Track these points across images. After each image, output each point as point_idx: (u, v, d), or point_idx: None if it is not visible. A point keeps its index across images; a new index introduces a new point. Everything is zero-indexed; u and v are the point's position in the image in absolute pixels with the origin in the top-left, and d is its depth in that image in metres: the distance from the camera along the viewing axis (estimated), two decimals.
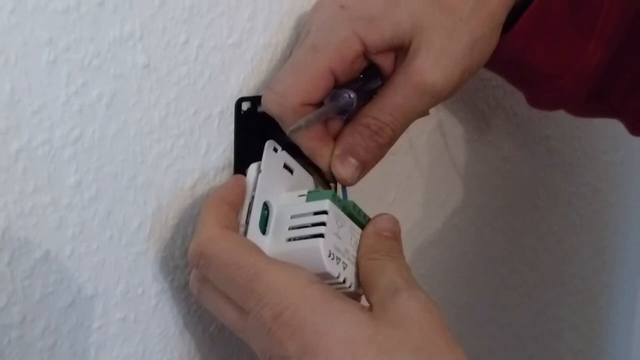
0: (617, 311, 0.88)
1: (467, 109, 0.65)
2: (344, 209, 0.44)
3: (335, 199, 0.43)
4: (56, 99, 0.40)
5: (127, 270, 0.45)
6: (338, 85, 0.45)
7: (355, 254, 0.43)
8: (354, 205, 0.45)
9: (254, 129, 0.48)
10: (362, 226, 0.45)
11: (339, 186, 0.48)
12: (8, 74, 0.38)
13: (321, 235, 0.41)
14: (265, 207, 0.43)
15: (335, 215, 0.42)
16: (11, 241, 0.40)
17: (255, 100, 0.47)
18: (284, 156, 0.46)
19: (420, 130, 0.59)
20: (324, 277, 0.41)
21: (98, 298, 0.45)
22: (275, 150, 0.45)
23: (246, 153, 0.48)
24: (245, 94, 0.47)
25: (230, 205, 0.43)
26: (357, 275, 0.43)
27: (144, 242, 0.46)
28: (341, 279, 0.42)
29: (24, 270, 0.41)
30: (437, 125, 0.63)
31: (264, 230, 0.43)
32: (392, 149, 0.54)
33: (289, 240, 0.42)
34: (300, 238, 0.42)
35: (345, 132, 0.47)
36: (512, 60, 0.55)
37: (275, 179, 0.45)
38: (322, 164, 0.46)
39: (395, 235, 0.44)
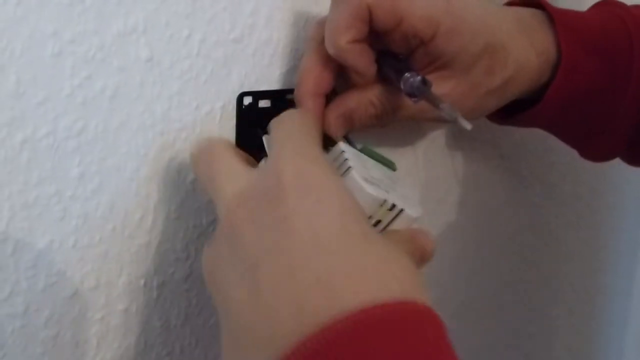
0: (613, 311, 0.88)
1: None
2: (362, 151, 0.45)
3: (346, 145, 0.44)
4: (60, 91, 0.40)
5: (129, 262, 0.46)
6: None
7: (393, 185, 0.43)
8: (369, 148, 0.46)
9: (255, 123, 0.48)
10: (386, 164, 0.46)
11: None
12: (13, 65, 0.39)
13: (349, 168, 0.41)
14: None
15: (354, 154, 0.43)
16: (15, 231, 0.41)
17: (257, 95, 0.48)
18: None
19: (418, 128, 0.59)
20: (375, 205, 0.40)
21: (100, 289, 0.45)
22: None
23: (247, 147, 0.48)
24: (246, 88, 0.47)
25: None
26: (405, 198, 0.42)
27: (146, 235, 0.46)
28: (390, 202, 0.40)
29: (28, 260, 0.42)
30: (435, 123, 0.63)
31: None
32: (391, 147, 0.54)
33: None
34: None
35: None
36: (549, 126, 0.56)
37: None
38: None
39: (424, 259, 0.43)
